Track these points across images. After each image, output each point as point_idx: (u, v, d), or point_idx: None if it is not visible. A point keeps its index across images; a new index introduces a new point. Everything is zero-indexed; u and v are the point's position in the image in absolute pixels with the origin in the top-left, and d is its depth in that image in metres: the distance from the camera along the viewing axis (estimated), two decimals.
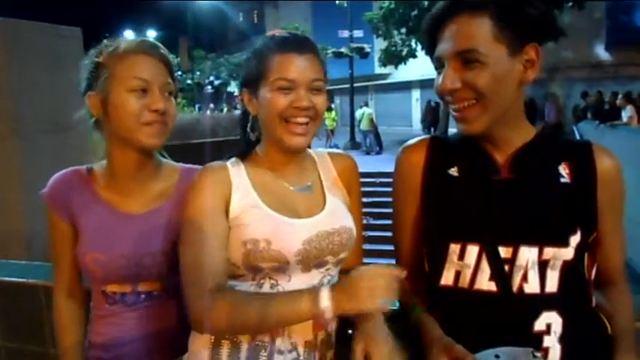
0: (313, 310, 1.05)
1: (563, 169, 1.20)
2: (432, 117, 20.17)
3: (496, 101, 1.13)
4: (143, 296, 1.37)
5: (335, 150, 1.44)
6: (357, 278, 1.04)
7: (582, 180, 1.19)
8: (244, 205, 1.20)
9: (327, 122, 19.23)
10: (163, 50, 1.35)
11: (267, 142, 1.27)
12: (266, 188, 1.24)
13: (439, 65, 1.17)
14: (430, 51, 1.20)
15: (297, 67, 1.19)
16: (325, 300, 1.04)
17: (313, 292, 1.07)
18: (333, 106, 21.60)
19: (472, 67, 1.11)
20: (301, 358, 1.23)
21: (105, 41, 1.34)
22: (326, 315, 1.04)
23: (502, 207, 1.18)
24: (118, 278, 1.35)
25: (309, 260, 1.21)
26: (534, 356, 1.05)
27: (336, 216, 1.27)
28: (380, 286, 1.03)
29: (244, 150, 1.30)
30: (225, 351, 1.21)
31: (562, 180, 1.19)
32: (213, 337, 1.22)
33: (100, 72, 1.31)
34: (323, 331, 1.26)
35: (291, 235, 1.18)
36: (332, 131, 19.58)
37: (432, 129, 19.74)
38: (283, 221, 1.20)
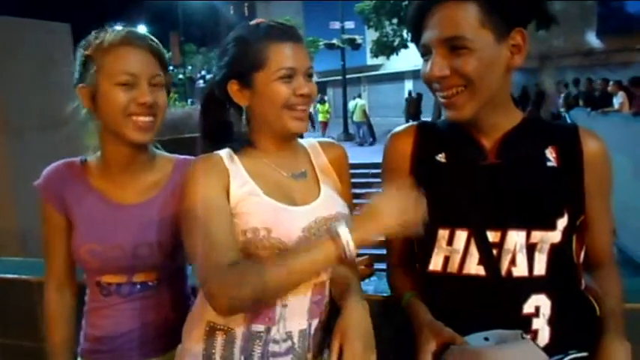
0: (336, 250, 1.06)
1: (550, 153, 1.20)
2: (414, 108, 20.21)
3: (484, 87, 1.13)
4: (138, 287, 1.37)
5: (325, 139, 1.44)
6: (372, 204, 1.09)
7: (569, 163, 1.20)
8: (243, 193, 1.19)
9: (321, 115, 19.22)
10: (152, 41, 1.33)
11: (263, 131, 1.27)
12: (262, 176, 1.24)
13: (426, 52, 1.17)
14: (416, 39, 1.20)
15: (296, 55, 1.21)
16: (345, 234, 1.06)
17: (331, 232, 1.08)
18: (326, 98, 21.51)
19: (460, 54, 1.11)
20: (296, 346, 1.23)
21: (93, 33, 1.32)
22: (350, 248, 1.05)
23: (490, 192, 1.18)
24: (114, 269, 1.34)
25: None
26: (523, 338, 1.06)
27: (331, 202, 1.28)
28: (398, 205, 1.07)
29: (237, 141, 1.28)
30: (219, 341, 1.21)
31: (549, 164, 1.20)
32: (207, 327, 1.22)
33: (88, 65, 1.29)
34: (317, 320, 1.27)
35: (290, 222, 1.18)
36: (326, 123, 19.57)
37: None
38: (283, 209, 1.20)
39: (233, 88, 1.25)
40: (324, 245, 1.07)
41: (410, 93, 21.34)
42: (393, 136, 1.34)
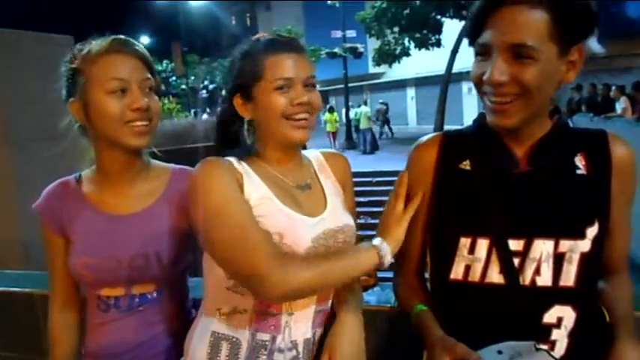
0: (376, 259, 1.16)
1: (579, 161, 1.18)
2: (382, 116, 22.46)
3: (538, 99, 1.10)
4: (137, 300, 1.35)
5: (328, 150, 1.44)
6: (384, 223, 1.24)
7: (598, 170, 1.18)
8: (259, 197, 1.19)
9: (329, 126, 18.96)
10: (138, 47, 1.32)
11: (267, 142, 1.27)
12: (274, 183, 1.24)
13: (483, 52, 1.13)
14: (473, 35, 1.14)
15: (292, 65, 1.20)
16: (384, 247, 1.18)
17: (373, 247, 1.18)
18: (334, 105, 21.11)
19: (523, 63, 1.07)
20: (300, 356, 1.23)
21: (77, 45, 1.31)
22: (387, 260, 1.18)
23: (518, 200, 1.16)
24: (111, 281, 1.33)
25: None
26: (537, 349, 1.05)
27: (338, 214, 1.28)
28: (396, 218, 1.23)
29: (242, 151, 1.27)
30: (224, 351, 1.21)
31: (578, 172, 1.18)
32: (212, 337, 1.22)
33: (76, 78, 1.29)
34: (321, 330, 1.27)
35: (302, 231, 1.18)
36: (334, 134, 19.27)
37: (386, 127, 22.14)
38: (296, 217, 1.20)
39: (238, 102, 1.26)
40: (367, 253, 1.17)
41: (381, 104, 22.52)
42: (417, 147, 1.32)
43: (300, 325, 1.22)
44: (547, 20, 1.05)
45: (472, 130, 1.27)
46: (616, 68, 16.45)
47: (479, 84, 1.14)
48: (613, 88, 12.10)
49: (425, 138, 1.33)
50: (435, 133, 1.33)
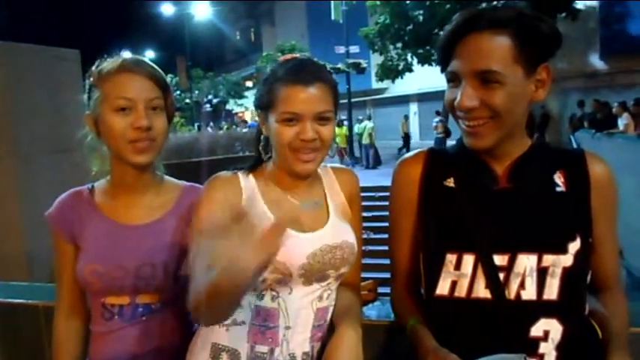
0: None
1: (558, 178, 1.22)
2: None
3: (509, 120, 1.14)
4: (141, 309, 1.37)
5: (338, 165, 1.46)
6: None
7: (576, 187, 1.21)
8: (253, 215, 1.20)
9: (339, 140, 18.63)
10: (149, 67, 1.36)
11: (277, 163, 1.30)
12: (274, 201, 1.27)
13: (453, 79, 1.18)
14: (444, 64, 1.20)
15: (303, 100, 1.21)
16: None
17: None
18: (344, 120, 20.77)
19: (491, 87, 1.11)
20: None
21: (97, 62, 1.37)
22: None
23: (500, 216, 1.19)
24: (117, 289, 1.35)
25: (312, 274, 1.23)
26: None
27: (338, 231, 1.29)
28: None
29: (253, 164, 1.33)
30: None
31: (557, 189, 1.21)
32: (212, 349, 1.23)
33: (92, 93, 1.35)
34: (319, 343, 1.28)
35: (296, 248, 1.19)
36: (344, 149, 18.99)
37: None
38: (290, 234, 1.20)
39: (260, 118, 1.31)
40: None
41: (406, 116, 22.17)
42: (402, 162, 1.35)
43: (297, 338, 1.24)
44: (510, 44, 1.10)
45: (455, 149, 1.31)
46: (618, 84, 16.52)
47: (452, 109, 1.19)
48: (615, 104, 12.12)
49: (410, 154, 1.37)
50: (419, 149, 1.36)
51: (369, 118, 19.86)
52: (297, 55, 1.30)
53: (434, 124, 16.21)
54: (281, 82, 1.22)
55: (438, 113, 16.53)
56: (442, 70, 1.21)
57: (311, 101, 1.21)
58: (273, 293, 1.23)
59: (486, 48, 1.11)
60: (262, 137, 1.33)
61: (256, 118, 1.37)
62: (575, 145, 11.17)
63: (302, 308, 1.25)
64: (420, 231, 1.29)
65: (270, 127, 1.25)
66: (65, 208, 1.40)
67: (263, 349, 1.22)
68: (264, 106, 1.27)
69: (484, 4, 1.16)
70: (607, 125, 11.80)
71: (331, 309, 1.31)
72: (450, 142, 1.35)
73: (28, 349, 2.03)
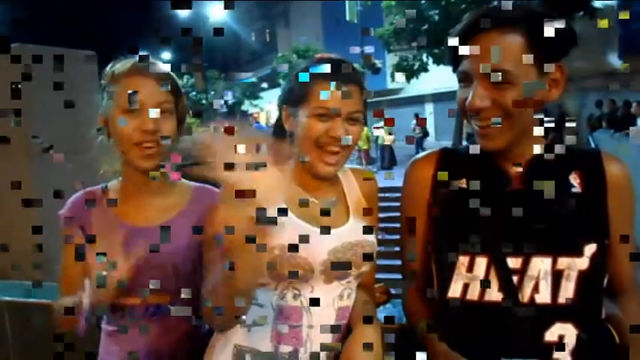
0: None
1: (574, 179, 1.19)
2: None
3: (521, 121, 1.12)
4: (152, 309, 1.38)
5: (358, 167, 1.48)
6: None
7: (592, 189, 1.18)
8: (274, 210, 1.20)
9: (360, 142, 18.18)
10: (160, 69, 1.36)
11: (299, 161, 1.29)
12: (294, 198, 1.26)
13: (464, 79, 1.16)
14: (454, 64, 1.18)
15: (338, 97, 1.22)
16: None
17: None
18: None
19: (502, 87, 1.09)
20: None
21: (112, 63, 1.38)
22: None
23: (513, 218, 1.16)
24: (128, 290, 1.33)
25: (333, 271, 1.22)
26: None
27: (359, 229, 1.29)
28: None
29: None
30: None
31: (573, 190, 1.19)
32: (235, 350, 1.24)
33: (104, 93, 1.36)
34: (339, 343, 1.26)
35: (317, 244, 1.19)
36: (367, 151, 18.53)
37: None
38: (310, 230, 1.21)
39: (285, 113, 1.31)
40: None
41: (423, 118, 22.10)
42: (414, 163, 1.34)
43: (320, 337, 1.24)
44: (522, 43, 1.07)
45: (466, 150, 1.28)
46: (636, 84, 16.30)
47: (463, 109, 1.16)
48: (634, 104, 11.95)
49: (422, 154, 1.36)
50: (432, 150, 1.34)
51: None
52: (332, 55, 1.31)
53: (411, 126, 17.03)
54: (316, 77, 1.23)
55: (416, 116, 18.12)
56: (454, 70, 1.19)
57: (346, 100, 1.23)
58: (295, 292, 1.23)
59: (497, 47, 1.08)
60: (288, 132, 1.31)
61: (270, 122, 1.37)
62: (593, 145, 11.05)
63: (323, 307, 1.24)
64: (431, 232, 1.27)
65: (299, 121, 1.25)
66: (78, 207, 1.41)
67: (287, 349, 1.22)
68: (295, 99, 1.27)
69: (496, 3, 1.14)
70: (626, 125, 11.64)
71: (351, 308, 1.30)
72: (446, 143, 1.33)
73: (39, 349, 2.03)
